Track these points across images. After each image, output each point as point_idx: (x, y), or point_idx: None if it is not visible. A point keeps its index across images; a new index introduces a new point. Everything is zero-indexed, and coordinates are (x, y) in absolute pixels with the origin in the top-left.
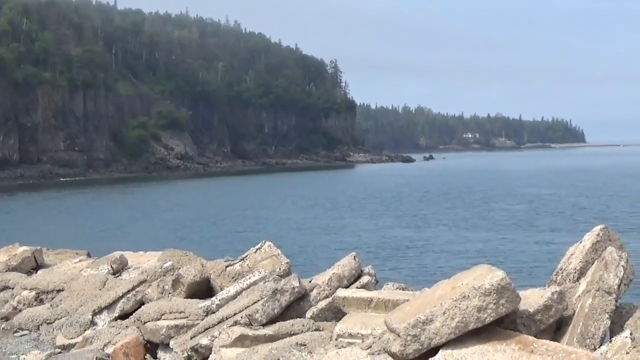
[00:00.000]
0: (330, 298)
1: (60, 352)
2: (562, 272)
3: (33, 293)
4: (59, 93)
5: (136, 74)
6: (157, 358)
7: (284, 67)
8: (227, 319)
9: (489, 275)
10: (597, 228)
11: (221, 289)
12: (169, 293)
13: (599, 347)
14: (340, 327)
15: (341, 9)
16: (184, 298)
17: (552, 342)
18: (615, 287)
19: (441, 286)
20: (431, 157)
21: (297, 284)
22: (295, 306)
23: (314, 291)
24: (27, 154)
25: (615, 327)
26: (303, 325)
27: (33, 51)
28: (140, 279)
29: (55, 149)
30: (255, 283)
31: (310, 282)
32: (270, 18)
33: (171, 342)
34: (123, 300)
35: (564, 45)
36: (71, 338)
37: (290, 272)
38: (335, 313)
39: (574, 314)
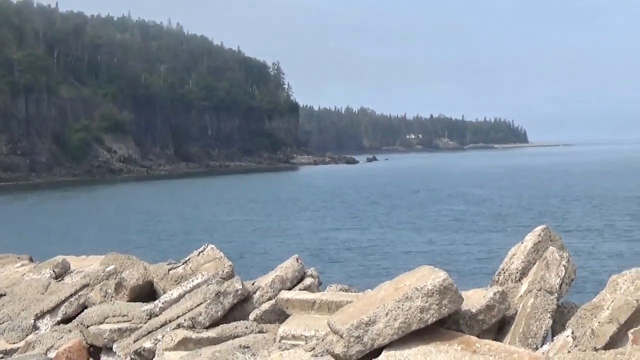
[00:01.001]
0: (274, 300)
1: (2, 358)
2: (504, 273)
3: None
4: (1, 97)
5: (78, 77)
6: None
7: (227, 70)
8: (170, 322)
9: (431, 276)
10: (539, 228)
11: (164, 292)
12: (112, 297)
13: (541, 346)
14: (284, 329)
15: (284, 9)
16: (127, 301)
17: (494, 342)
18: (557, 286)
19: (384, 287)
20: (374, 159)
21: (240, 287)
22: (238, 308)
23: (257, 293)
24: None
25: (557, 327)
26: (246, 328)
27: None
28: (82, 282)
29: None
30: (198, 286)
31: (253, 284)
32: (212, 20)
33: (114, 346)
34: (66, 304)
35: (506, 44)
36: (13, 343)
37: (233, 275)
38: (279, 315)
39: (516, 314)
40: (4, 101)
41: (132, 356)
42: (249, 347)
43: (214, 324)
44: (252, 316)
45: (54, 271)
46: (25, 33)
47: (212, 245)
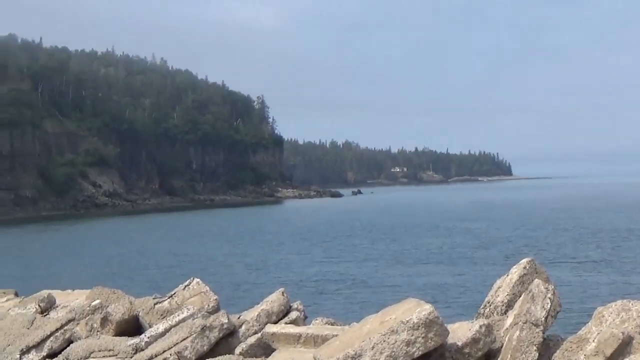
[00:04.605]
0: (260, 334)
1: None
2: (490, 305)
3: None
4: None
5: (63, 111)
6: None
7: (211, 104)
8: (156, 356)
9: (417, 309)
10: (524, 261)
11: (150, 327)
12: (98, 331)
13: None
14: None
15: (266, 48)
16: (113, 336)
17: None
18: (543, 319)
19: (370, 320)
20: (359, 192)
21: (226, 321)
22: (224, 343)
23: (243, 327)
24: None
25: (543, 359)
26: None
27: None
28: (68, 317)
29: None
30: (184, 320)
31: (239, 318)
32: (196, 56)
33: None
34: (51, 339)
35: (486, 79)
36: None
37: (219, 309)
38: (265, 349)
39: (502, 347)
40: None
41: None
42: None
43: (200, 358)
44: (238, 350)
45: (39, 306)
46: (9, 68)
47: (198, 279)
